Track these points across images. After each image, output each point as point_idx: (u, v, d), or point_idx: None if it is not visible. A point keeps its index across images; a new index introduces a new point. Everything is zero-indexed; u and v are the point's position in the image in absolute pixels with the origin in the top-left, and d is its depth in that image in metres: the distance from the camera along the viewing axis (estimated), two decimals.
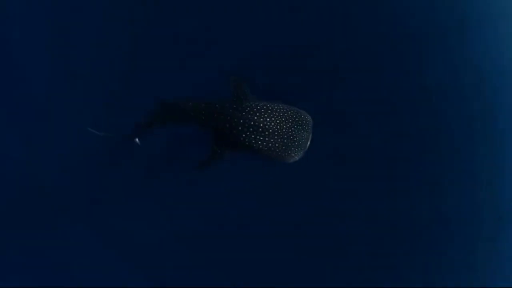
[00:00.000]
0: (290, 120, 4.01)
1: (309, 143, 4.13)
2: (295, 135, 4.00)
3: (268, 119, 3.96)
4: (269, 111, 4.00)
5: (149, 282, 5.22)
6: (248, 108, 4.02)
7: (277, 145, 3.95)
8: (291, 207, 5.22)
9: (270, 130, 3.94)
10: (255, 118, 3.95)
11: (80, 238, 5.24)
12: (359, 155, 5.31)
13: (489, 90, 5.54)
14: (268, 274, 5.20)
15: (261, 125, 3.94)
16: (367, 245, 5.37)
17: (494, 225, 5.55)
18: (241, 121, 3.96)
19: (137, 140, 4.79)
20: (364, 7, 5.46)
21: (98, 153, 5.22)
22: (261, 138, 3.93)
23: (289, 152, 4.00)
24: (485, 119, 5.56)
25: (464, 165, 5.55)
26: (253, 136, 3.94)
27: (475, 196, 5.55)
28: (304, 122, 4.09)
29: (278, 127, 3.96)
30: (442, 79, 5.49)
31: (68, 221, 5.28)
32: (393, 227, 5.41)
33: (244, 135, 3.96)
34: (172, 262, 5.28)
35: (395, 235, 5.43)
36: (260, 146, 3.96)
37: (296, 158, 4.06)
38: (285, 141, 3.96)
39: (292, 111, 4.08)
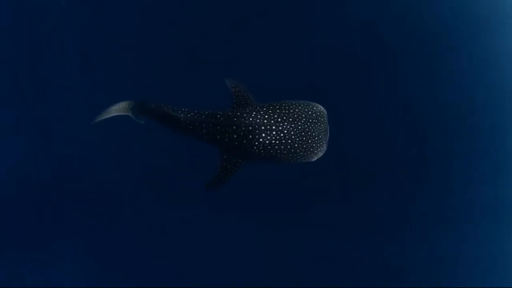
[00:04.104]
0: (304, 115, 3.62)
1: (328, 135, 3.75)
2: (312, 130, 3.60)
3: (279, 120, 3.54)
4: (278, 111, 3.60)
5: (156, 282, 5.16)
6: (255, 112, 3.60)
7: (296, 145, 3.53)
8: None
9: (285, 131, 3.52)
10: (265, 121, 3.53)
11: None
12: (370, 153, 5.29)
13: None
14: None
15: (274, 127, 3.51)
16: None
17: None
18: (250, 128, 3.52)
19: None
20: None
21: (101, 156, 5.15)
22: (277, 142, 3.51)
23: (311, 150, 3.59)
24: None
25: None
26: (267, 142, 3.51)
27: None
28: (319, 114, 3.71)
29: (293, 125, 3.54)
30: None
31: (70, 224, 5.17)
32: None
33: (257, 143, 3.52)
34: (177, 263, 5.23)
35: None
36: (278, 151, 3.53)
37: (320, 154, 3.67)
38: (304, 139, 3.55)
39: (303, 105, 3.69)
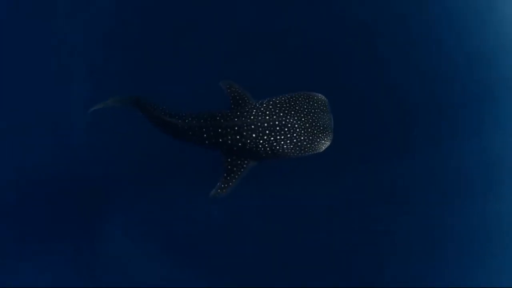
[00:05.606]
0: (305, 106, 3.55)
1: (332, 122, 3.68)
2: (317, 120, 3.53)
3: (281, 114, 3.46)
4: (279, 105, 3.52)
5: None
6: (255, 110, 3.54)
7: (302, 138, 3.46)
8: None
9: (289, 125, 3.45)
10: (267, 118, 3.46)
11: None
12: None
13: None
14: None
15: (277, 123, 3.44)
16: None
17: None
18: (253, 127, 3.45)
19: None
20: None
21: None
22: (283, 138, 3.45)
23: (318, 140, 3.50)
24: None
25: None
26: (272, 139, 3.45)
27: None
28: (320, 102, 3.65)
29: (296, 118, 3.47)
30: None
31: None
32: None
33: (262, 141, 3.46)
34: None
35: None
36: (285, 146, 3.47)
37: (328, 143, 3.59)
38: (309, 130, 3.48)
39: (303, 96, 3.62)
